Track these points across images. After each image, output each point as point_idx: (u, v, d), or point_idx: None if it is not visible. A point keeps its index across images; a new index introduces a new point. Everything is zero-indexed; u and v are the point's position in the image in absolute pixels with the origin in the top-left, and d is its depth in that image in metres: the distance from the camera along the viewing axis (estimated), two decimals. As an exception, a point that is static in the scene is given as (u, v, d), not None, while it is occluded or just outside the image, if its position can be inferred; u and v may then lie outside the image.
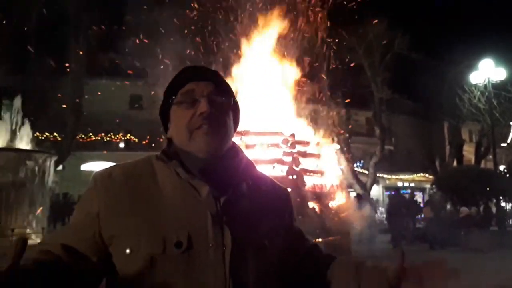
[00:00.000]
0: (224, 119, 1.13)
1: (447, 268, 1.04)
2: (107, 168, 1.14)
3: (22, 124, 11.37)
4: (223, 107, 1.13)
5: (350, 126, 21.16)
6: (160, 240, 1.00)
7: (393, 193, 17.89)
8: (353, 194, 17.92)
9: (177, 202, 1.05)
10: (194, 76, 1.15)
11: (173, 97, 1.14)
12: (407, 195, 19.13)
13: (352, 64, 19.78)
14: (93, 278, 1.06)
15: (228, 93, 1.17)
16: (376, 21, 19.81)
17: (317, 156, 8.28)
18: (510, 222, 18.98)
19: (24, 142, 11.13)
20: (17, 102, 11.59)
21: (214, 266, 1.00)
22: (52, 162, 11.03)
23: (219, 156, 1.10)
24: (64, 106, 18.26)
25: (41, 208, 10.35)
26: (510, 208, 21.92)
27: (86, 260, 1.03)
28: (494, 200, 16.53)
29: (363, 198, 15.80)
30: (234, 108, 1.19)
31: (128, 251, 1.01)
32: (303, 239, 1.26)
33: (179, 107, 1.12)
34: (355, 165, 23.17)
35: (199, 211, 1.04)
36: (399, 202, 15.30)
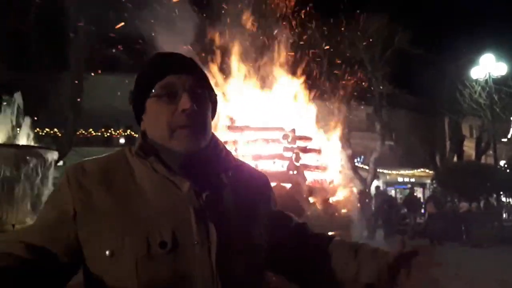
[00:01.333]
0: (206, 114, 1.09)
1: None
2: (79, 163, 1.08)
3: (23, 120, 11.37)
4: (204, 102, 1.08)
5: (350, 122, 21.13)
6: (143, 240, 0.95)
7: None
8: (355, 190, 17.95)
9: (158, 199, 1.00)
10: (173, 67, 1.07)
11: (149, 89, 1.06)
12: (407, 191, 19.25)
13: (352, 59, 19.77)
14: (61, 277, 1.00)
15: (207, 85, 1.12)
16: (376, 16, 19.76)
17: (317, 151, 8.27)
18: (510, 217, 18.99)
19: (24, 138, 11.14)
20: (18, 97, 11.58)
21: (200, 264, 0.97)
22: (53, 157, 11.04)
23: (199, 150, 1.07)
24: (64, 101, 18.23)
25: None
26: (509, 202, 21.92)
27: (55, 260, 0.98)
28: (495, 196, 16.55)
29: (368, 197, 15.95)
30: (213, 100, 1.13)
31: (108, 252, 0.95)
32: (287, 220, 1.23)
33: (158, 101, 1.05)
34: (355, 160, 23.14)
35: (182, 207, 1.00)
36: (382, 200, 15.71)
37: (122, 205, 0.99)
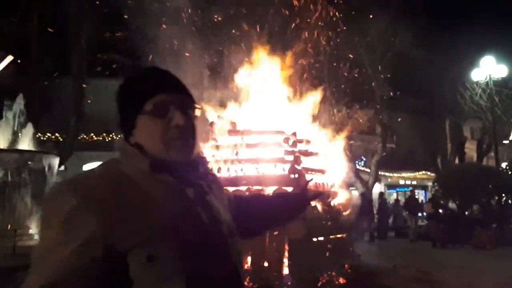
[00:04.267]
0: (195, 129, 1.21)
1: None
2: (78, 181, 1.07)
3: (24, 124, 11.40)
4: (193, 117, 1.21)
5: (351, 124, 21.13)
6: (175, 242, 1.04)
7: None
8: (356, 193, 17.95)
9: (172, 206, 1.10)
10: (164, 86, 1.18)
11: (141, 105, 1.14)
12: (409, 193, 19.28)
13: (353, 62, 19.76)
14: None
15: (194, 101, 1.23)
16: (377, 18, 19.77)
17: (318, 154, 8.27)
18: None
19: (26, 143, 11.16)
20: (19, 102, 11.62)
21: (219, 248, 1.14)
22: (54, 162, 11.06)
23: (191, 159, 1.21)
24: (66, 106, 18.27)
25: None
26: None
27: None
28: (496, 198, 16.50)
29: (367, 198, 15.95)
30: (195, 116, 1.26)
31: (145, 259, 1.00)
32: (234, 201, 1.48)
33: (151, 117, 1.14)
34: (356, 163, 23.13)
35: (193, 209, 1.14)
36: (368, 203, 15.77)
37: (145, 215, 1.04)
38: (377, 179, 22.35)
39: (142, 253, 1.00)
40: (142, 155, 1.13)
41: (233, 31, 9.76)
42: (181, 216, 1.09)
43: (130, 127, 1.18)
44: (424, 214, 16.92)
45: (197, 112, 1.22)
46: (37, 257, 0.99)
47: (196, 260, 1.06)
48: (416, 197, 20.94)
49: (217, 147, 7.59)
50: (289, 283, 6.22)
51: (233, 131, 7.77)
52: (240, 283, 1.20)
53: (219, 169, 7.22)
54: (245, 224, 1.43)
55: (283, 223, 1.73)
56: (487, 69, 18.12)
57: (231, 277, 1.16)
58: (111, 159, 1.18)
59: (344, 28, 16.94)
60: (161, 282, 1.01)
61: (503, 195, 16.46)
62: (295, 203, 1.69)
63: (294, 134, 7.77)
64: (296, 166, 7.33)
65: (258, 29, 9.39)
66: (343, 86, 18.59)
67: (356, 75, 19.49)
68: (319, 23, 13.91)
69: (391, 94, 21.66)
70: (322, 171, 8.18)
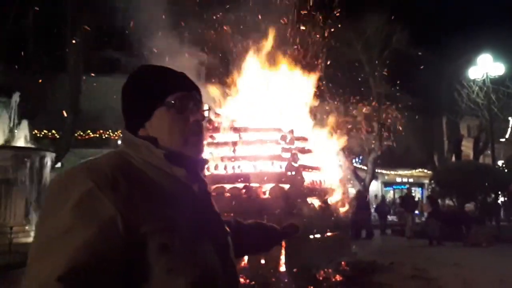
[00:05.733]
0: (204, 127, 1.26)
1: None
2: (90, 165, 1.04)
3: (20, 121, 11.36)
4: (205, 116, 1.26)
5: (348, 122, 21.12)
6: (187, 233, 1.06)
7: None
8: (352, 190, 17.98)
9: (179, 197, 1.11)
10: (184, 84, 1.23)
11: (160, 100, 1.16)
12: (405, 190, 19.31)
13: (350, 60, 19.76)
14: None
15: (203, 102, 1.29)
16: (374, 16, 19.76)
17: (316, 152, 8.27)
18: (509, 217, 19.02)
19: (22, 140, 11.12)
20: (15, 99, 11.57)
21: (222, 245, 1.19)
22: (50, 159, 11.02)
23: None
24: (62, 103, 18.19)
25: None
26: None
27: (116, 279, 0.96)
28: (493, 195, 16.56)
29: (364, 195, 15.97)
30: None
31: (158, 246, 0.99)
32: None
33: (171, 111, 1.16)
34: (353, 161, 23.14)
35: (197, 203, 1.16)
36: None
37: (156, 205, 1.04)
38: (374, 176, 22.39)
39: (154, 242, 0.99)
40: (153, 147, 1.13)
41: (230, 28, 9.73)
42: (189, 209, 1.11)
43: (144, 119, 1.17)
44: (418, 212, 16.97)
45: (206, 112, 1.28)
46: (44, 245, 0.93)
47: (201, 252, 1.08)
48: (413, 194, 20.99)
49: (215, 144, 7.58)
50: (285, 280, 6.22)
51: (231, 128, 7.76)
52: (237, 277, 1.25)
53: (216, 166, 7.21)
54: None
55: (255, 253, 1.87)
56: (484, 67, 18.13)
57: (230, 271, 1.19)
58: (112, 151, 1.17)
59: (340, 25, 16.91)
60: (170, 273, 0.99)
61: (499, 192, 16.52)
62: (271, 237, 1.73)
63: (292, 131, 7.76)
64: (293, 163, 7.32)
65: (255, 26, 9.36)
66: (340, 83, 18.57)
67: (354, 73, 19.48)
68: (317, 19, 13.91)
69: (388, 91, 21.67)
70: (319, 169, 8.18)
